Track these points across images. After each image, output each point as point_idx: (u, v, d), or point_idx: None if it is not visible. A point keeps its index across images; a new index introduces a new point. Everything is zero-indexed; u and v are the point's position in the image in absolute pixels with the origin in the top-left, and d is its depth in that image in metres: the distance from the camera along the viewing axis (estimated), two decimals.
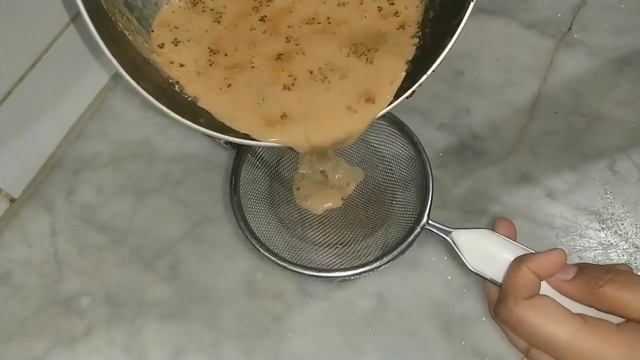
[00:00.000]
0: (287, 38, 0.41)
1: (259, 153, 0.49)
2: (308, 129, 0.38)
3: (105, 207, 0.52)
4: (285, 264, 0.42)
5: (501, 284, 0.35)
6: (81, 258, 0.50)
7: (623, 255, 0.48)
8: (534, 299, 0.31)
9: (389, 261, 0.42)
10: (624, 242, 0.49)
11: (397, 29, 0.40)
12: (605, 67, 0.56)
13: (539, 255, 0.33)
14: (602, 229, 0.49)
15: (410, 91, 0.37)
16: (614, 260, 0.48)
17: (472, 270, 0.37)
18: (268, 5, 0.42)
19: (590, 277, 0.32)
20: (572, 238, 0.49)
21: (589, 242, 0.49)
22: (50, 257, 0.50)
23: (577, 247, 0.48)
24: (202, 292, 0.48)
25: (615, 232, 0.49)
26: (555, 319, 0.30)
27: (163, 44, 0.40)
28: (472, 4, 0.34)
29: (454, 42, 0.35)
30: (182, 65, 0.39)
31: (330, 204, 0.49)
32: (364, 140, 0.50)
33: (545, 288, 0.33)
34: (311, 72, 0.39)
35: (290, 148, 0.39)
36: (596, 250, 0.48)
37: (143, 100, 0.34)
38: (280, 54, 0.40)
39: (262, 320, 0.47)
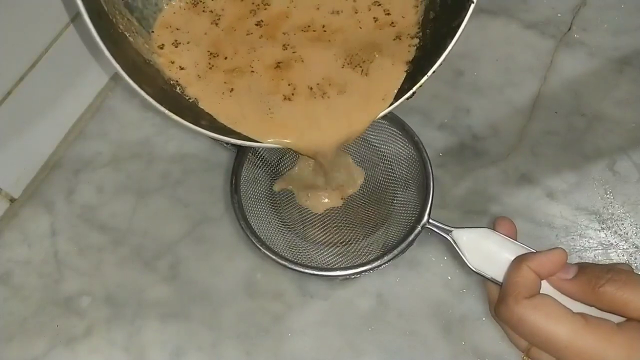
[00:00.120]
0: (284, 45, 0.41)
1: (259, 152, 0.49)
2: (311, 133, 0.39)
3: (105, 207, 0.52)
4: (286, 263, 0.42)
5: (502, 283, 0.35)
6: (81, 258, 0.50)
7: (623, 255, 0.48)
8: (535, 298, 0.31)
9: (389, 260, 0.42)
10: (624, 242, 0.49)
11: (394, 39, 0.40)
12: (605, 67, 0.56)
13: (539, 254, 0.33)
14: (602, 229, 0.49)
15: (410, 92, 0.37)
16: (614, 260, 0.48)
17: (472, 270, 0.37)
18: (265, 9, 0.42)
19: (591, 276, 0.32)
20: (572, 238, 0.49)
21: (589, 242, 0.49)
22: (50, 257, 0.50)
23: (577, 247, 0.48)
24: (202, 292, 0.48)
25: (615, 232, 0.49)
26: (555, 318, 0.30)
27: (163, 44, 0.40)
28: (472, 6, 0.34)
29: (454, 44, 0.35)
30: (182, 68, 0.39)
31: (330, 203, 0.49)
32: (364, 140, 0.50)
33: (545, 287, 0.33)
34: (311, 88, 0.40)
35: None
36: (596, 250, 0.48)
37: (144, 101, 0.34)
38: (279, 62, 0.40)
39: (262, 320, 0.47)
